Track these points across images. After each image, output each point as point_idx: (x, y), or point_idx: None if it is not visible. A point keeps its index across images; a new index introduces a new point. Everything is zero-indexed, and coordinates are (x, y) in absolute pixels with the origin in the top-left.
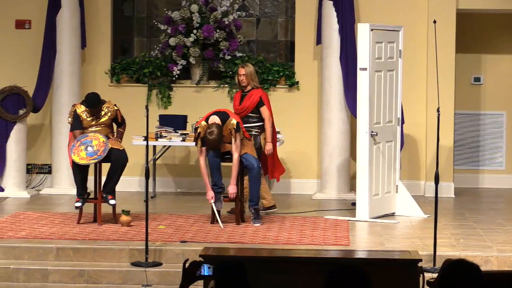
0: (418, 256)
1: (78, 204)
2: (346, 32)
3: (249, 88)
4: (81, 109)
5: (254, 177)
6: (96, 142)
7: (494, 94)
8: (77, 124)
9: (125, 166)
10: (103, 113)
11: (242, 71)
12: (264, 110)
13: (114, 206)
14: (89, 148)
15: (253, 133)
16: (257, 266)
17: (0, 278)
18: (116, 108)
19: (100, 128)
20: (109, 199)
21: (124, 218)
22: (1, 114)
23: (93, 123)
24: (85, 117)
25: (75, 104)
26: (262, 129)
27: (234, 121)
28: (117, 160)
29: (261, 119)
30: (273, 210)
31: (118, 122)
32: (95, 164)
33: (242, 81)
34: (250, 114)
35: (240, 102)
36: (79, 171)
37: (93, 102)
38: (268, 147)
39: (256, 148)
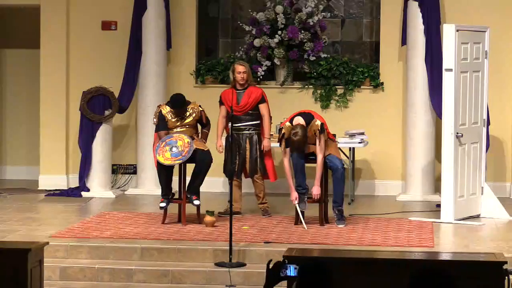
0: (504, 259)
1: (163, 204)
2: (431, 33)
3: (245, 85)
4: (166, 110)
5: (338, 178)
6: (181, 142)
7: None
8: (162, 125)
9: (209, 167)
10: (188, 114)
11: (242, 68)
12: (264, 106)
13: (198, 206)
14: (174, 149)
15: (251, 131)
16: (340, 268)
17: (85, 277)
18: (201, 109)
19: (184, 129)
20: (193, 200)
21: (208, 218)
22: (87, 114)
23: (178, 124)
24: (170, 118)
25: (160, 104)
26: (257, 127)
27: (318, 122)
28: (201, 161)
29: (258, 117)
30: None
31: (202, 123)
32: (180, 164)
33: (242, 79)
34: (248, 112)
35: (237, 100)
36: (164, 172)
37: (178, 103)
38: (267, 143)
39: (258, 148)
